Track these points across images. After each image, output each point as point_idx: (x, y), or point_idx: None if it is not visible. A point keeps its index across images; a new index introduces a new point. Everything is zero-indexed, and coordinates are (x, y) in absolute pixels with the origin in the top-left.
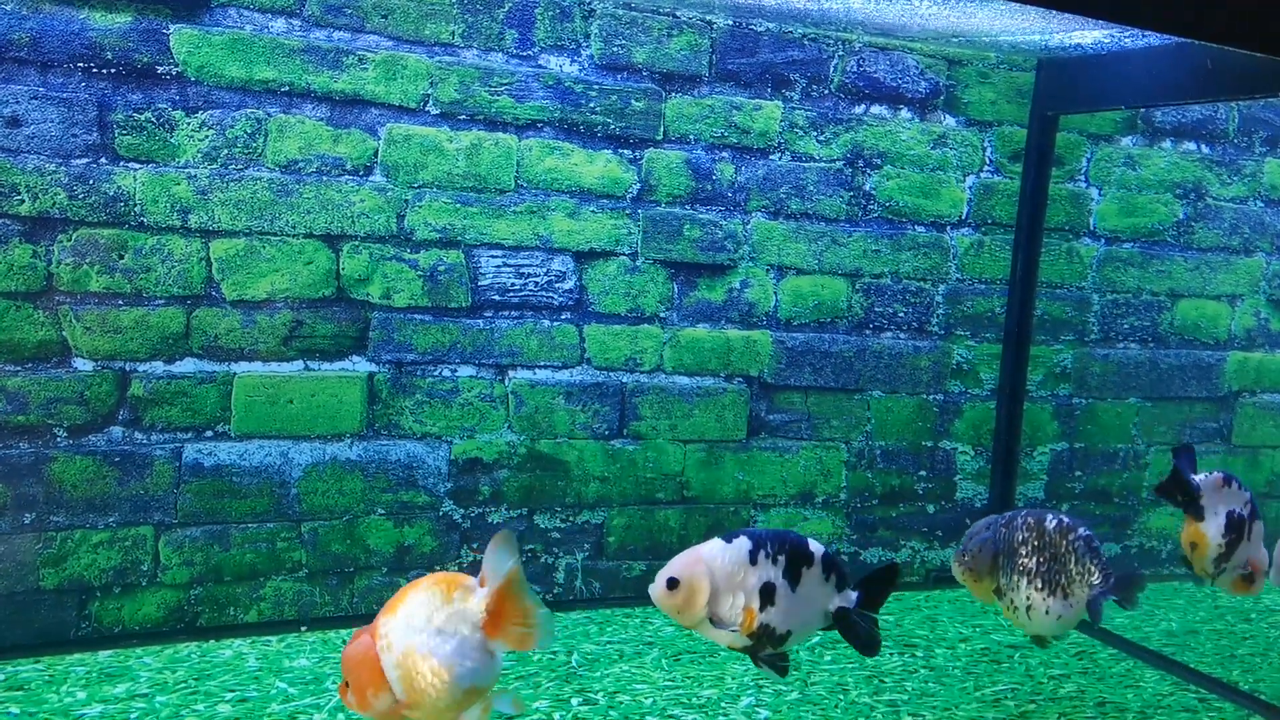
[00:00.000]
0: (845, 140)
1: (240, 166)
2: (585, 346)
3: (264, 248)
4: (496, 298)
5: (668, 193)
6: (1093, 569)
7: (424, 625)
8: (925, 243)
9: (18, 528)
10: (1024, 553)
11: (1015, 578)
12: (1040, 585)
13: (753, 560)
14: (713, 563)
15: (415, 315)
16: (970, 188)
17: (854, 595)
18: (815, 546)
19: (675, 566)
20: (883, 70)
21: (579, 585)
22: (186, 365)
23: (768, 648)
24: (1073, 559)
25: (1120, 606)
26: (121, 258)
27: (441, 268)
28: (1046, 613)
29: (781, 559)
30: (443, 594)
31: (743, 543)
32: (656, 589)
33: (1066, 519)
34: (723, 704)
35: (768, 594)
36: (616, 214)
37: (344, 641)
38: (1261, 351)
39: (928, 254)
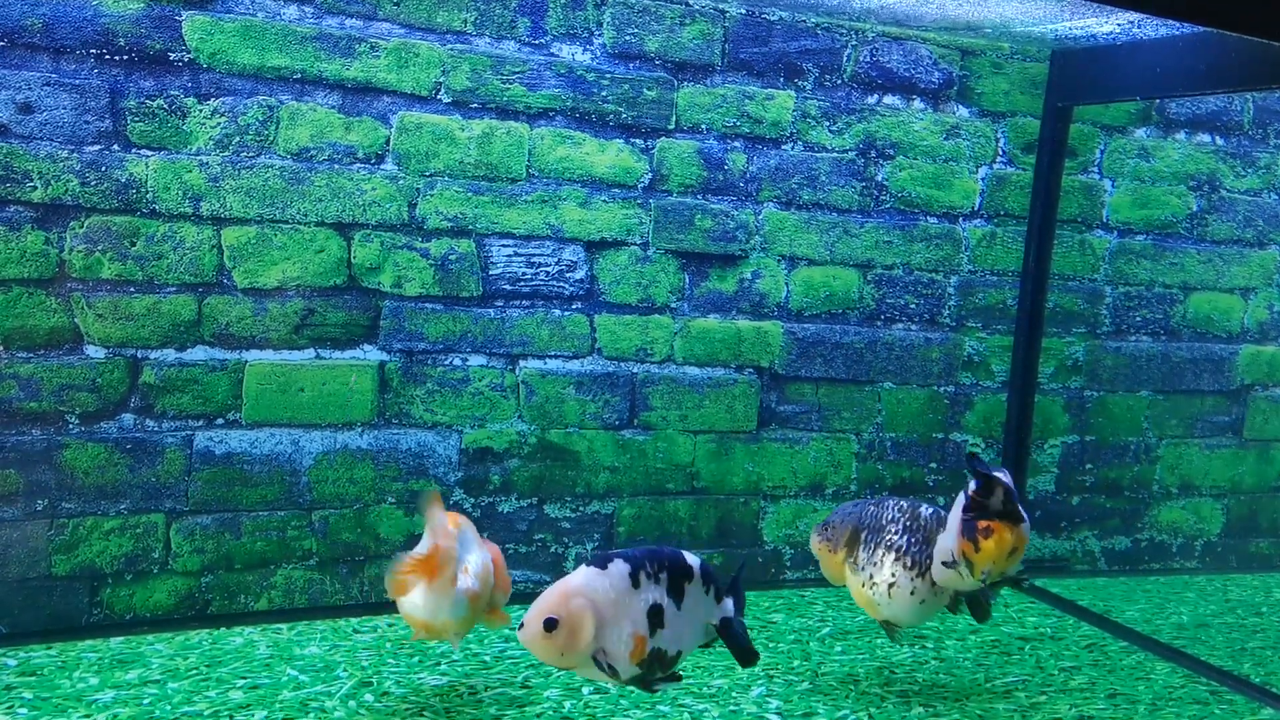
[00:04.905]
0: (858, 130)
1: (252, 154)
2: (596, 336)
3: (275, 236)
4: (508, 287)
5: (679, 182)
6: None
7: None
8: (937, 234)
9: (30, 514)
10: (893, 530)
11: (880, 553)
12: (909, 564)
13: (635, 583)
14: (593, 593)
15: (426, 304)
16: (983, 179)
17: (730, 603)
18: (691, 559)
19: (549, 604)
20: (896, 60)
21: None
22: (198, 353)
23: (658, 672)
24: None
25: (950, 604)
26: (133, 245)
27: (453, 257)
28: (911, 593)
29: (664, 576)
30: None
31: (620, 566)
32: (530, 632)
33: (943, 511)
34: (733, 693)
35: (656, 616)
36: (628, 203)
37: (354, 630)
38: (1274, 345)
39: (940, 245)
